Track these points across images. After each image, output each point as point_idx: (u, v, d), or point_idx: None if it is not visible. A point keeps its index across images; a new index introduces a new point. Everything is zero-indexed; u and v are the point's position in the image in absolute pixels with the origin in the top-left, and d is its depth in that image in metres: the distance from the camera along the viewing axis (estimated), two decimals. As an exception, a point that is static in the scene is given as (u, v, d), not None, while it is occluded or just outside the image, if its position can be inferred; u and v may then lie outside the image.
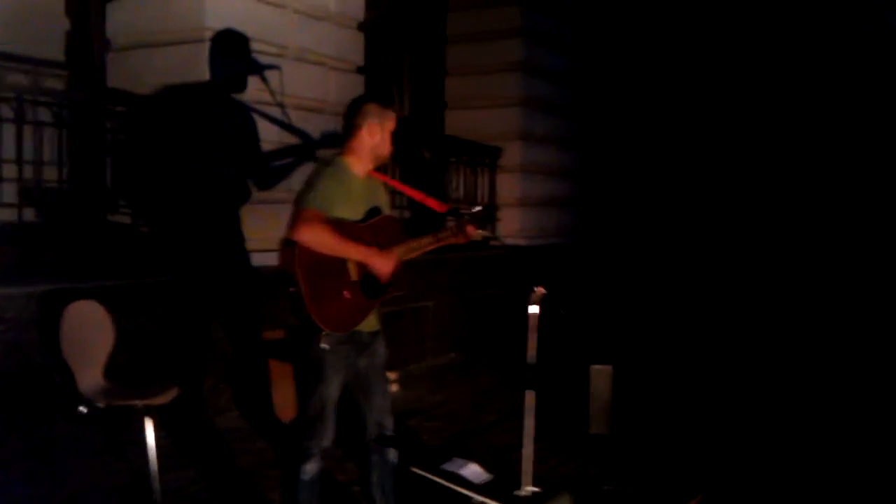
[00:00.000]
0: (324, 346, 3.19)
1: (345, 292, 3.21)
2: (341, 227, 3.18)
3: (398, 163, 7.53)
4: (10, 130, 5.05)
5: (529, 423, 3.23)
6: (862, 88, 11.23)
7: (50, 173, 5.38)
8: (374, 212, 3.39)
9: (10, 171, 5.07)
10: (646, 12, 11.62)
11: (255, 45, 5.87)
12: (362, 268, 3.24)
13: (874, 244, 10.55)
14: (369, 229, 3.31)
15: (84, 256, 5.15)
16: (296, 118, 6.14)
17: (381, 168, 3.55)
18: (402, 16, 9.39)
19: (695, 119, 11.60)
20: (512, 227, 9.42)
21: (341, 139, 3.44)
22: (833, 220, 10.95)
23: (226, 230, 5.68)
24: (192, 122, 5.71)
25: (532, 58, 9.56)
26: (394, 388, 6.12)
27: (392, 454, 3.57)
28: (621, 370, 5.42)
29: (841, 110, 11.19)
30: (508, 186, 9.46)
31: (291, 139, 6.13)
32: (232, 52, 5.75)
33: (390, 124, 3.39)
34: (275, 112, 5.96)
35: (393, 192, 4.78)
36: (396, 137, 3.44)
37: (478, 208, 3.64)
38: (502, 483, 3.30)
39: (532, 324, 3.18)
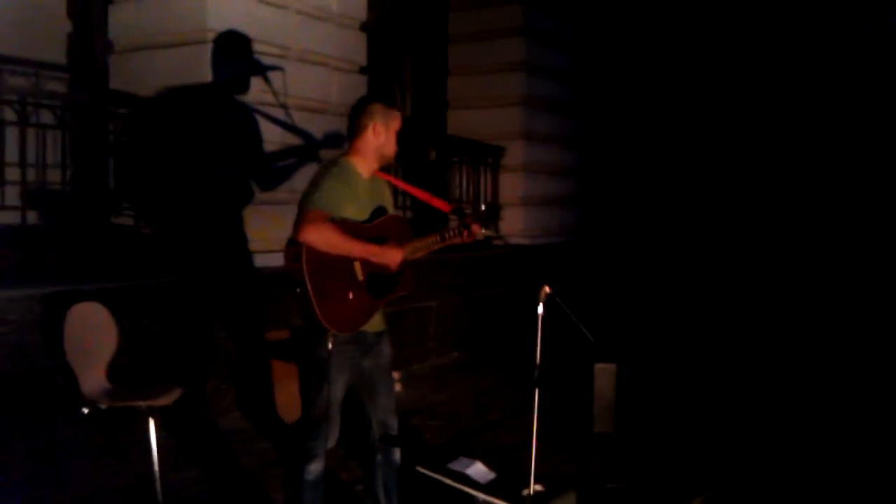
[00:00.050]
0: (329, 346, 3.18)
1: (350, 293, 3.19)
2: (347, 227, 3.17)
3: (401, 163, 7.53)
4: (13, 133, 5.06)
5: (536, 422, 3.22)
6: (862, 88, 11.22)
7: (53, 176, 5.40)
8: (379, 212, 3.38)
9: (13, 173, 5.08)
10: (647, 11, 11.62)
11: (257, 47, 5.87)
12: (368, 268, 3.23)
13: (874, 243, 10.53)
14: (376, 229, 3.30)
15: (87, 258, 5.15)
16: (298, 119, 6.14)
17: (385, 168, 3.54)
18: (403, 16, 9.40)
19: (696, 118, 11.59)
20: (515, 226, 9.41)
21: (346, 140, 3.43)
22: (834, 219, 10.93)
23: (228, 231, 5.68)
24: (194, 123, 5.71)
25: (534, 57, 9.55)
26: (397, 387, 6.11)
27: (396, 454, 3.57)
28: (625, 369, 5.42)
29: (841, 110, 11.17)
30: (511, 186, 9.45)
31: (294, 140, 6.13)
32: (234, 53, 5.75)
33: (395, 124, 3.38)
34: (277, 113, 5.96)
35: (395, 192, 4.77)
36: (400, 137, 3.44)
37: (482, 207, 3.62)
38: (507, 482, 3.30)
39: (540, 322, 3.17)
